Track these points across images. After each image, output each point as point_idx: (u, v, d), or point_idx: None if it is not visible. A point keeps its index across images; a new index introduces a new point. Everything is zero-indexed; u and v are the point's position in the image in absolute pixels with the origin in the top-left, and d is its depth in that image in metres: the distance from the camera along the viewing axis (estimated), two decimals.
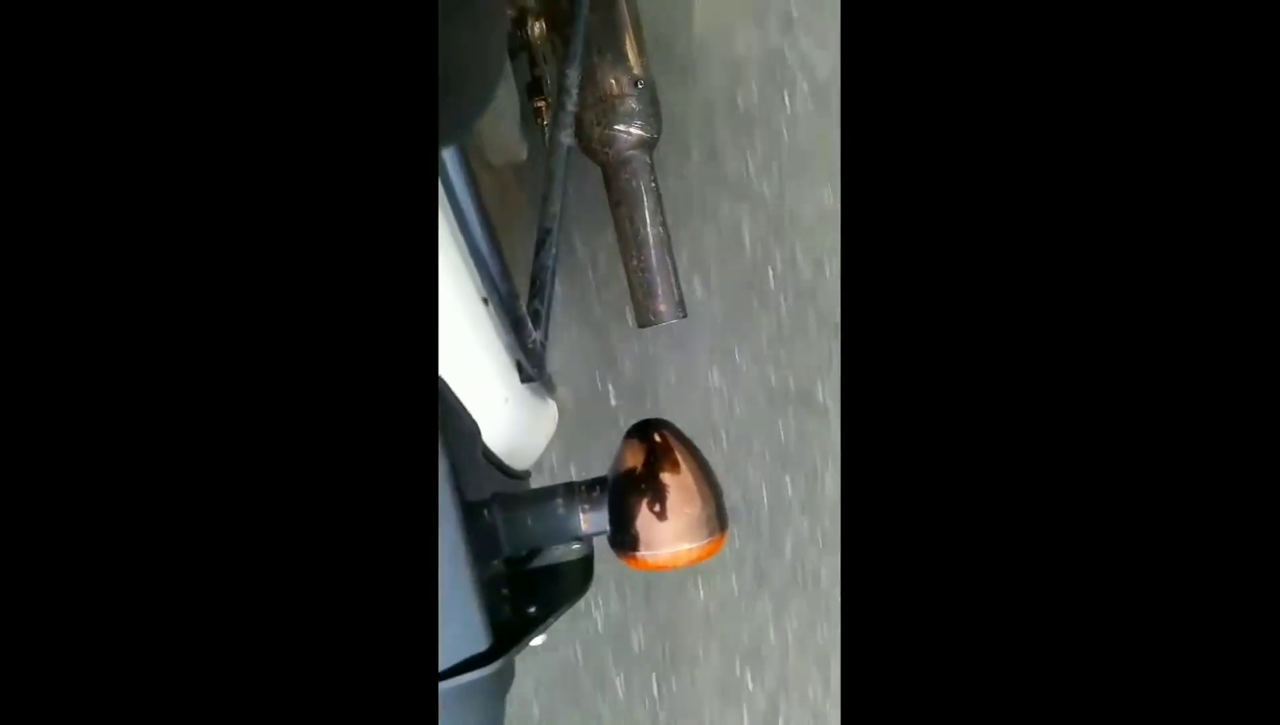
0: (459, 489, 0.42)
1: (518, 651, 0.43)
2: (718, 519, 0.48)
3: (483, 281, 0.45)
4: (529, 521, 0.48)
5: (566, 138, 0.58)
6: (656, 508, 0.48)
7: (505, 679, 0.45)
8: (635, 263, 0.86)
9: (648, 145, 0.85)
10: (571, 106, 0.60)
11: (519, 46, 0.73)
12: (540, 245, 0.55)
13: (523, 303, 0.49)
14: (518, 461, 0.60)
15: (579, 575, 0.52)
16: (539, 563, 0.55)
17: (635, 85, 0.83)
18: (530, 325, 0.50)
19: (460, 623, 0.41)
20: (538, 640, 0.45)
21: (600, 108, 0.82)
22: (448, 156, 0.39)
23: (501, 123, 0.67)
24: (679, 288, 0.87)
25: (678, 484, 0.48)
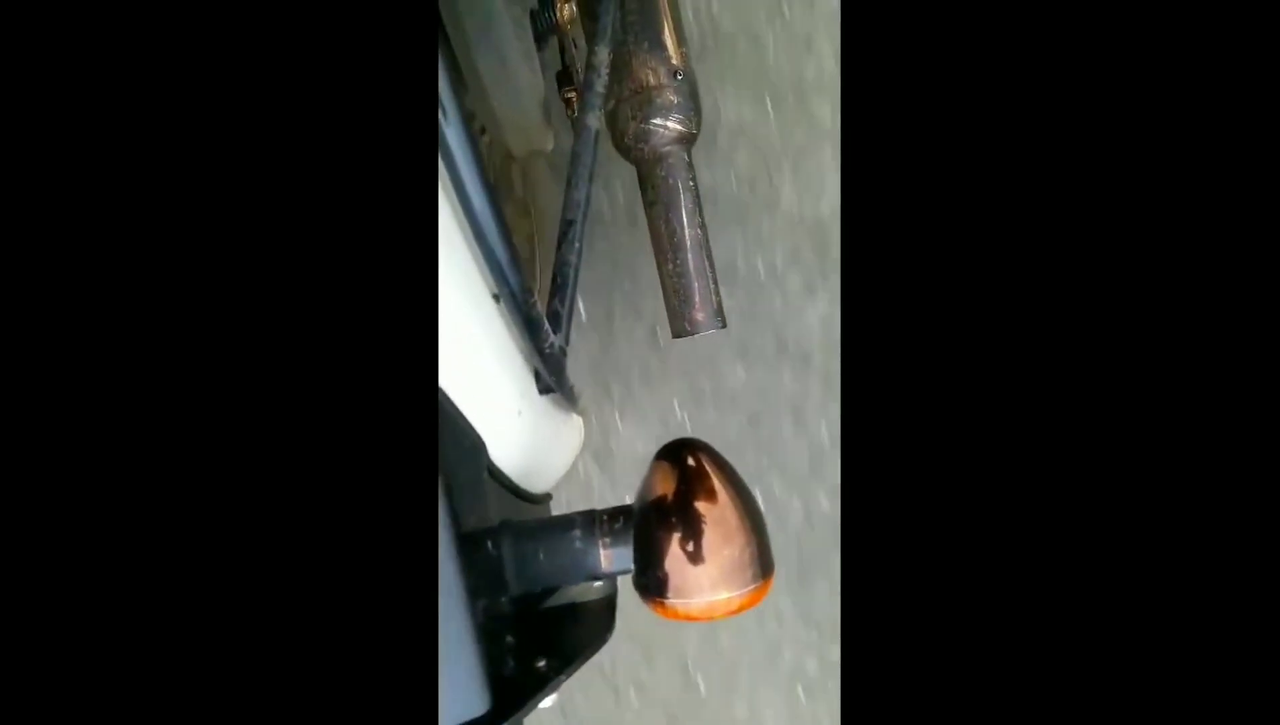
0: (455, 515, 0.36)
1: (524, 715, 0.36)
2: (760, 562, 0.40)
3: (491, 274, 0.39)
4: (540, 556, 0.42)
5: (594, 121, 0.52)
6: (690, 546, 0.41)
7: None
8: (671, 267, 0.79)
9: (686, 141, 0.79)
10: (601, 87, 0.53)
11: (546, 31, 0.67)
12: (563, 238, 0.49)
13: (540, 302, 0.43)
14: (535, 483, 0.53)
15: (599, 619, 0.45)
16: (552, 603, 0.48)
17: (674, 76, 0.77)
18: (548, 327, 0.43)
19: (454, 679, 0.34)
20: (548, 701, 0.37)
21: (636, 100, 0.76)
22: (449, 130, 0.32)
23: (524, 110, 0.61)
24: (718, 294, 0.80)
25: (715, 518, 0.41)
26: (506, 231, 0.38)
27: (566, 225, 0.49)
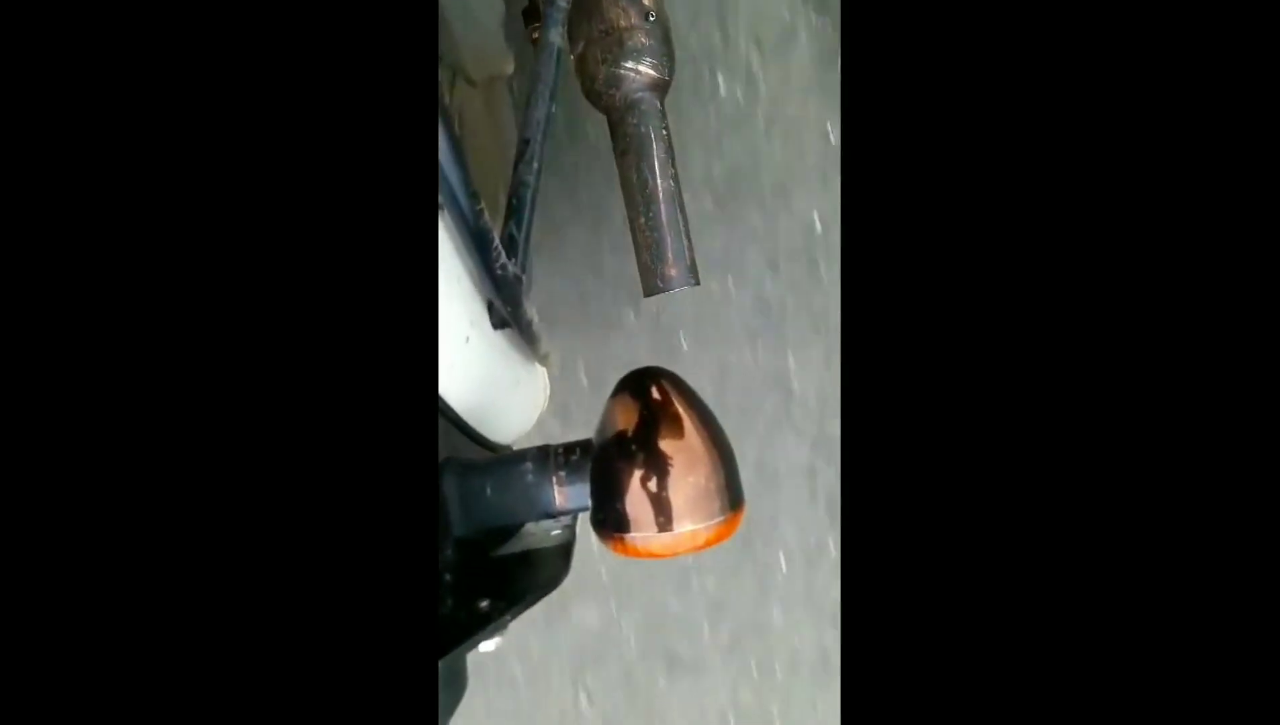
0: None
1: (458, 655, 0.32)
2: (728, 492, 0.37)
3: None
4: (487, 492, 0.38)
5: (556, 37, 0.48)
6: (652, 478, 0.37)
7: (448, 689, 0.35)
8: (643, 220, 0.76)
9: (659, 87, 0.75)
10: (564, 3, 0.50)
11: None
12: (520, 158, 0.45)
13: (490, 219, 0.39)
14: (491, 428, 0.50)
15: (553, 563, 0.41)
16: (509, 549, 0.44)
17: (646, 18, 0.73)
18: (499, 246, 0.40)
19: None
20: (488, 645, 0.34)
21: (606, 42, 0.72)
22: None
23: (481, 28, 0.57)
24: (692, 249, 0.76)
25: (679, 448, 0.37)
26: (454, 135, 0.35)
27: (524, 144, 0.46)
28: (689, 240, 0.77)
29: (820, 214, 1.04)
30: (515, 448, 0.57)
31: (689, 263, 0.76)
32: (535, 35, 0.73)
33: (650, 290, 0.77)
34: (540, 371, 0.61)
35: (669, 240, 0.75)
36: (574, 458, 0.39)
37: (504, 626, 0.34)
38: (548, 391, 0.67)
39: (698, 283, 0.77)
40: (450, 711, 0.36)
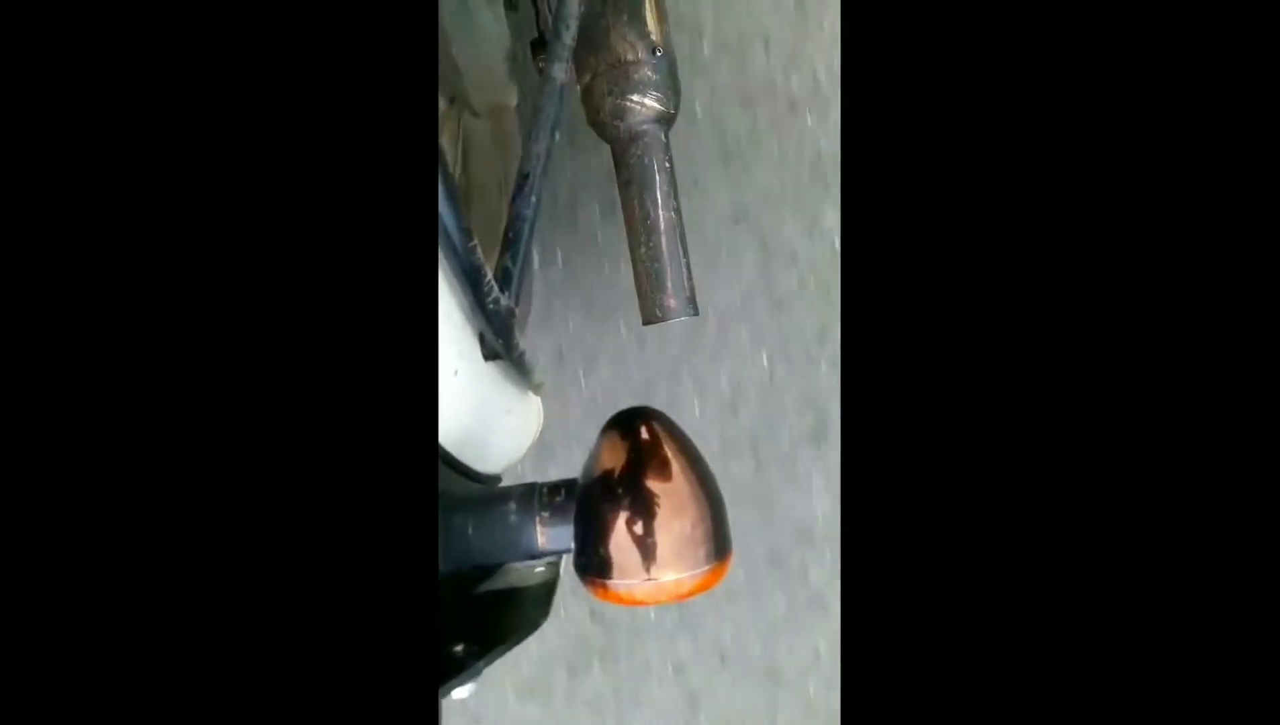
0: None
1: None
2: (716, 541, 0.36)
3: None
4: (468, 530, 0.37)
5: (561, 72, 0.48)
6: (638, 522, 0.36)
7: None
8: (643, 251, 0.76)
9: (663, 120, 0.76)
10: (569, 39, 0.50)
11: None
12: (518, 191, 0.45)
13: (483, 252, 0.39)
14: (479, 460, 0.49)
15: (534, 605, 0.40)
16: (490, 586, 0.44)
17: (653, 53, 0.74)
18: (491, 280, 0.39)
19: None
20: (461, 691, 0.33)
21: (613, 75, 0.73)
22: None
23: (487, 58, 0.58)
24: (691, 280, 0.76)
25: (666, 492, 0.37)
26: (445, 166, 0.35)
27: (523, 178, 0.46)
28: (689, 271, 0.77)
29: None
30: (505, 475, 0.56)
31: (688, 294, 0.76)
32: (543, 65, 0.73)
33: (649, 318, 0.77)
34: (534, 401, 0.60)
35: (669, 271, 0.75)
36: (559, 498, 0.38)
37: (478, 673, 0.33)
38: (541, 419, 0.66)
39: (696, 313, 0.77)
40: None
